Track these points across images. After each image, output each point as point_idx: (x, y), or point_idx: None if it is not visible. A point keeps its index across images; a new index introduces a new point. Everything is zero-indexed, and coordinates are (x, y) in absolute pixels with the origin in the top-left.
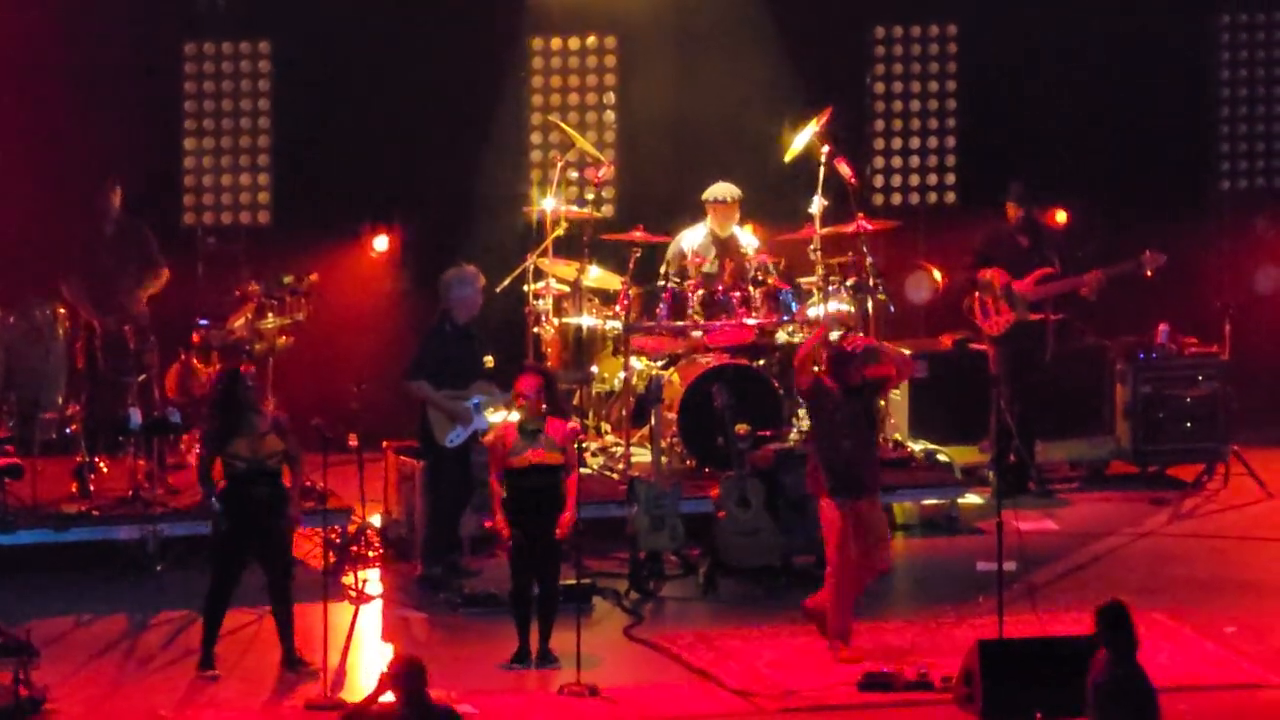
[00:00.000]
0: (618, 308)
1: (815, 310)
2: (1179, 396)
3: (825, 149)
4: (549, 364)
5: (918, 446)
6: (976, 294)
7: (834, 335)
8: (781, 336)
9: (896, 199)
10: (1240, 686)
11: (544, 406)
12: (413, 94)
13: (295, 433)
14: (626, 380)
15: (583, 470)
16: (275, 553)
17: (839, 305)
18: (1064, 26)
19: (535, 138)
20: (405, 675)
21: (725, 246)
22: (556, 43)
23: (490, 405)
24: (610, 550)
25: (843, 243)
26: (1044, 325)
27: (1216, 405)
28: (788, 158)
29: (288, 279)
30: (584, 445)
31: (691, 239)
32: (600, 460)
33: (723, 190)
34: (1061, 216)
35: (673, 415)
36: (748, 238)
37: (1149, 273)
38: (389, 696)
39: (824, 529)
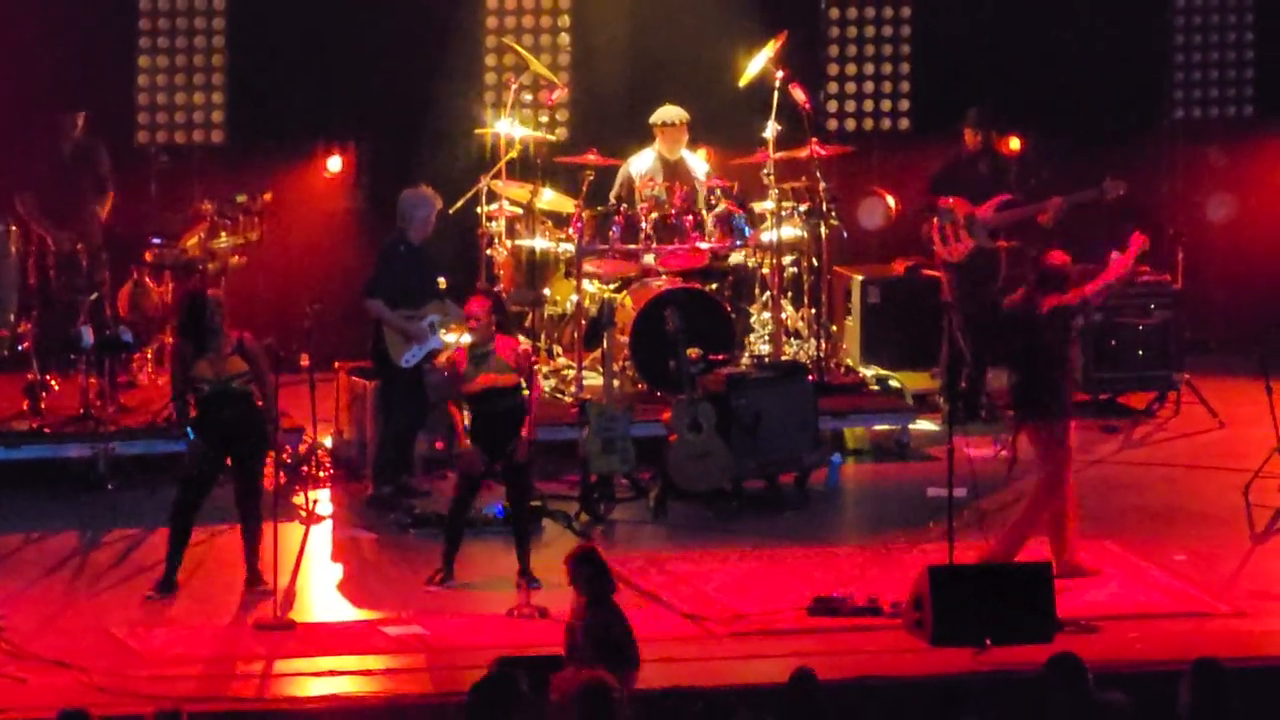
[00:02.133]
0: (571, 230)
1: (769, 235)
2: (1131, 325)
3: (779, 74)
4: (500, 286)
5: (869, 372)
6: (936, 220)
7: None
8: (734, 260)
9: (850, 124)
10: (1189, 615)
11: (494, 329)
12: (368, 14)
13: (262, 354)
14: (579, 303)
15: (527, 393)
16: (247, 474)
17: (792, 230)
18: None
19: (490, 60)
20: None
21: (674, 170)
22: None
23: (445, 325)
24: (561, 473)
25: (796, 168)
26: (997, 252)
27: (1168, 333)
28: (742, 82)
29: (241, 198)
30: (537, 368)
31: (639, 164)
32: (552, 383)
33: (670, 113)
34: (1015, 143)
35: (625, 339)
36: (697, 161)
37: (1109, 199)
38: None
39: (1048, 456)
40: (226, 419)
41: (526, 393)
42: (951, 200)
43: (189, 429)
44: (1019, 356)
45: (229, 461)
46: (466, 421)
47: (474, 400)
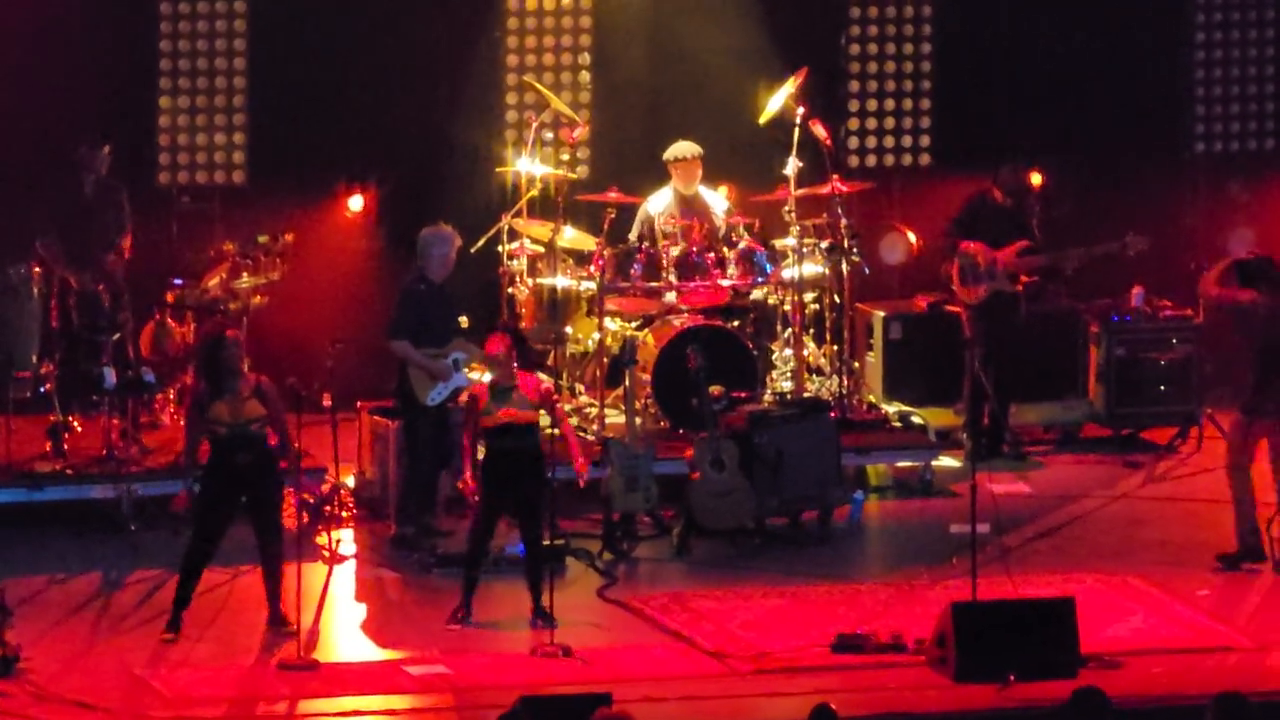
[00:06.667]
0: (592, 268)
1: (790, 271)
2: (1153, 359)
3: (800, 110)
4: (522, 324)
5: (892, 408)
6: (957, 261)
7: None
8: (756, 297)
9: (871, 160)
10: (1213, 649)
11: (515, 365)
12: (388, 54)
13: (279, 397)
14: (601, 341)
15: (557, 431)
16: (264, 516)
17: (813, 267)
18: None
19: (510, 98)
20: None
21: (691, 205)
22: (532, 2)
23: (469, 362)
24: (584, 511)
25: (818, 204)
26: (1017, 294)
27: (1190, 368)
28: (763, 119)
29: (263, 238)
30: (558, 403)
31: (657, 203)
32: (574, 421)
33: (683, 148)
34: (1037, 178)
35: (647, 376)
36: (714, 197)
37: (1131, 254)
38: None
39: None
40: (241, 463)
41: (554, 432)
42: (973, 246)
43: (193, 477)
44: None
45: (245, 500)
46: (480, 455)
47: (492, 436)
